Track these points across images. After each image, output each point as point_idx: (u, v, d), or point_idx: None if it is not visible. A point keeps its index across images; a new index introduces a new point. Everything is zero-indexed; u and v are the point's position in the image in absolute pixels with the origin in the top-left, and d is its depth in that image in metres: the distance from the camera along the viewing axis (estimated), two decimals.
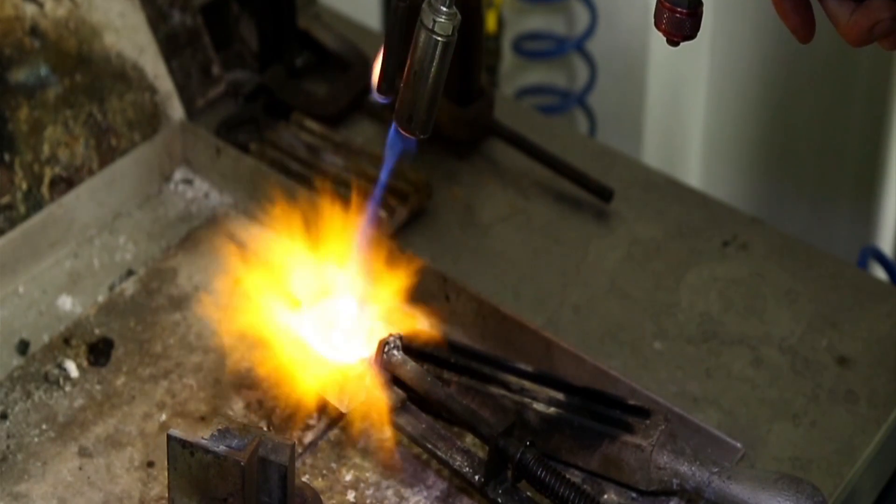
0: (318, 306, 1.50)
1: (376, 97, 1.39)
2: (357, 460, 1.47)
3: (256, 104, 1.83)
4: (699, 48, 2.23)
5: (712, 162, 2.34)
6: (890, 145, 2.16)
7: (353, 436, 1.48)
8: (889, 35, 1.20)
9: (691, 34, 1.23)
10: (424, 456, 1.46)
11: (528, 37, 2.32)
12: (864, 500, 1.56)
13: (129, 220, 1.72)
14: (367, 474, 1.46)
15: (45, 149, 1.66)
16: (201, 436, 1.27)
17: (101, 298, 1.63)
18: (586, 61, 2.28)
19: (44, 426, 1.49)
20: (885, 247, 2.22)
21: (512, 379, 1.47)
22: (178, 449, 1.26)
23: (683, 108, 2.30)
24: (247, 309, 1.54)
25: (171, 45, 1.78)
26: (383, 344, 1.43)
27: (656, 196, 1.76)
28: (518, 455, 1.37)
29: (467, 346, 1.52)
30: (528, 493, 1.39)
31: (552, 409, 1.45)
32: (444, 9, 1.29)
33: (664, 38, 1.24)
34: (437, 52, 1.30)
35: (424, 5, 1.29)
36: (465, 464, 1.40)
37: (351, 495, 1.44)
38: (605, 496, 1.44)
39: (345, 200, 1.67)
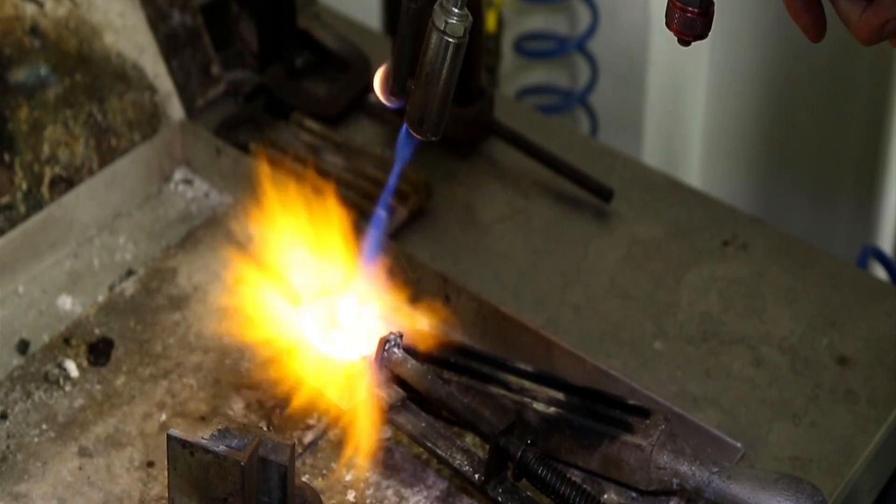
0: (318, 305, 1.50)
1: (385, 101, 1.38)
2: (357, 460, 1.47)
3: (256, 104, 1.83)
4: (699, 48, 2.23)
5: (712, 162, 2.34)
6: (890, 145, 2.16)
7: (354, 435, 1.47)
8: None
9: (702, 34, 1.23)
10: (424, 455, 1.46)
11: (528, 36, 2.32)
12: (864, 499, 1.56)
13: (129, 219, 1.72)
14: (367, 474, 1.46)
15: (45, 149, 1.66)
16: (201, 436, 1.27)
17: (101, 298, 1.63)
18: (587, 61, 2.28)
19: (44, 426, 1.49)
20: (886, 246, 2.21)
21: (512, 379, 1.47)
22: (178, 449, 1.26)
23: (684, 108, 2.30)
24: (247, 309, 1.54)
25: (170, 45, 1.78)
26: (384, 342, 1.43)
27: (656, 196, 1.76)
28: (519, 454, 1.37)
29: (467, 345, 1.52)
30: (529, 493, 1.39)
31: (552, 409, 1.45)
32: (456, 10, 1.28)
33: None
34: (449, 54, 1.30)
35: (436, 7, 1.29)
36: (466, 463, 1.40)
37: (351, 495, 1.44)
38: (605, 496, 1.44)
39: (345, 200, 1.68)
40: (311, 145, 1.76)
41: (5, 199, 1.62)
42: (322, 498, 1.37)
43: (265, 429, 1.44)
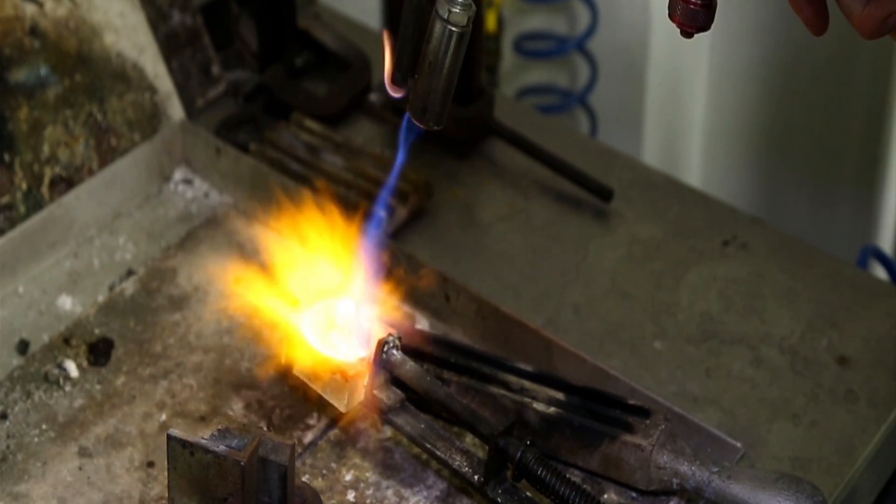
0: (317, 306, 1.50)
1: (388, 90, 1.38)
2: (357, 460, 1.47)
3: (256, 104, 1.83)
4: (699, 48, 2.23)
5: (712, 162, 2.34)
6: (890, 144, 2.16)
7: (353, 436, 1.48)
8: None
9: (705, 25, 1.23)
10: (424, 456, 1.46)
11: (528, 36, 2.32)
12: (864, 499, 1.56)
13: (129, 219, 1.72)
14: (367, 474, 1.46)
15: (45, 149, 1.66)
16: (201, 436, 1.27)
17: (100, 298, 1.63)
18: (587, 61, 2.28)
19: (44, 426, 1.49)
20: (886, 246, 2.21)
21: (512, 378, 1.47)
22: (178, 449, 1.26)
23: (684, 107, 2.30)
24: (246, 309, 1.54)
25: (170, 45, 1.78)
26: (382, 343, 1.43)
27: (656, 196, 1.76)
28: (518, 454, 1.37)
29: (467, 345, 1.52)
30: (528, 493, 1.39)
31: (552, 409, 1.45)
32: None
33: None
34: (452, 43, 1.30)
35: None
36: (465, 463, 1.40)
37: (351, 495, 1.44)
38: (605, 496, 1.44)
39: (346, 200, 1.68)
40: (311, 145, 1.76)
41: (5, 199, 1.62)
42: (322, 498, 1.37)
43: (265, 429, 1.44)
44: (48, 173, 1.66)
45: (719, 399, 1.53)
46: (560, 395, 1.45)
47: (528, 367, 1.48)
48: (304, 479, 1.43)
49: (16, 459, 1.46)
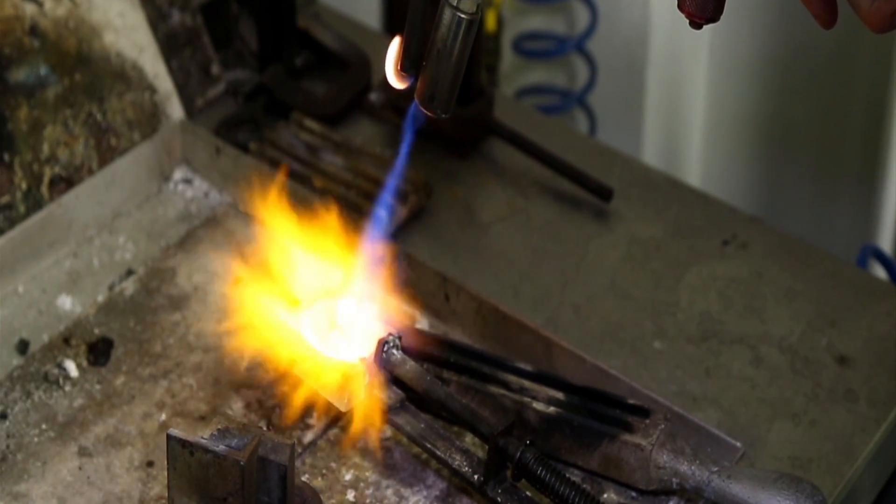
0: (317, 306, 1.50)
1: (395, 79, 1.37)
2: (356, 460, 1.47)
3: (256, 103, 1.83)
4: (699, 47, 2.23)
5: (712, 161, 2.34)
6: (890, 144, 2.16)
7: (353, 435, 1.48)
8: None
9: (714, 16, 1.24)
10: (424, 455, 1.46)
11: (528, 36, 2.32)
12: (864, 499, 1.56)
13: (129, 219, 1.72)
14: (367, 474, 1.46)
15: (45, 148, 1.66)
16: (201, 435, 1.27)
17: (100, 298, 1.63)
18: (586, 61, 2.28)
19: (43, 426, 1.49)
20: (885, 245, 2.21)
21: (512, 378, 1.47)
22: (178, 448, 1.26)
23: (683, 107, 2.30)
24: (246, 308, 1.54)
25: (170, 45, 1.78)
26: (382, 343, 1.43)
27: (656, 195, 1.76)
28: (518, 454, 1.37)
29: (467, 345, 1.52)
30: (528, 493, 1.39)
31: (552, 409, 1.45)
32: None
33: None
34: (461, 30, 1.29)
35: None
36: (465, 463, 1.40)
37: (350, 495, 1.44)
38: (605, 495, 1.44)
39: (345, 200, 1.68)
40: (311, 145, 1.76)
41: (5, 199, 1.62)
42: (322, 497, 1.37)
43: (265, 428, 1.44)
44: (48, 173, 1.66)
45: (719, 399, 1.53)
46: (560, 395, 1.45)
47: (528, 367, 1.48)
48: (303, 478, 1.43)
49: (16, 459, 1.46)
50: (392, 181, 1.60)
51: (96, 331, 1.59)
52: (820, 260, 1.68)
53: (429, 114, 1.33)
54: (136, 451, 1.47)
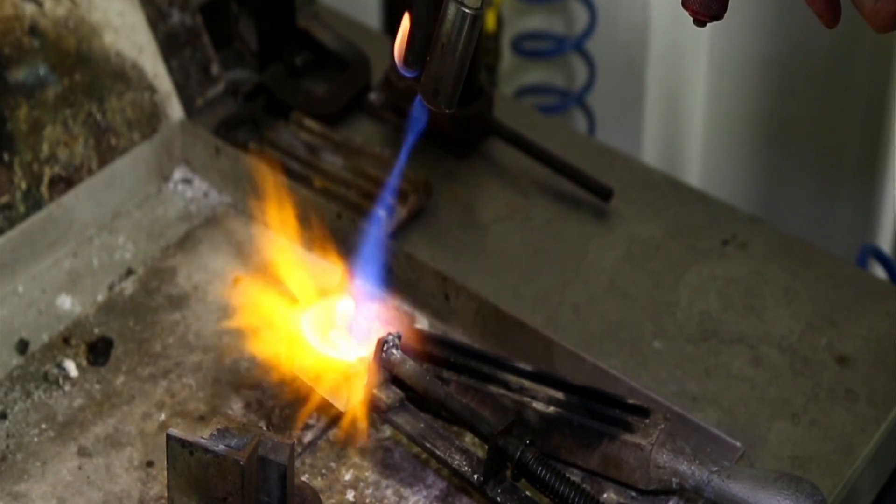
0: (317, 305, 1.50)
1: (400, 71, 1.36)
2: (356, 460, 1.47)
3: (256, 103, 1.82)
4: (698, 47, 2.23)
5: (711, 161, 2.34)
6: (890, 144, 2.16)
7: (353, 435, 1.48)
8: None
9: (719, 14, 1.24)
10: (424, 455, 1.46)
11: (527, 36, 2.32)
12: (864, 498, 1.56)
13: (129, 219, 1.72)
14: (367, 473, 1.46)
15: (45, 148, 1.66)
16: (201, 435, 1.27)
17: (100, 298, 1.63)
18: (585, 61, 2.28)
19: (43, 426, 1.49)
20: (885, 245, 2.21)
21: (511, 378, 1.47)
22: (178, 448, 1.26)
23: (683, 107, 2.30)
24: (246, 308, 1.54)
25: (170, 45, 1.78)
26: (382, 343, 1.43)
27: (656, 195, 1.76)
28: (518, 454, 1.37)
29: (467, 344, 1.52)
30: (528, 493, 1.39)
31: (552, 409, 1.45)
32: None
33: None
34: (466, 25, 1.29)
35: None
36: (464, 463, 1.40)
37: (350, 494, 1.44)
38: (605, 495, 1.44)
39: (345, 200, 1.68)
40: (311, 145, 1.76)
41: (5, 199, 1.62)
42: (321, 497, 1.37)
43: (264, 428, 1.44)
44: (47, 173, 1.66)
45: (719, 398, 1.53)
46: (559, 395, 1.45)
47: (528, 367, 1.48)
48: (303, 478, 1.43)
49: (15, 459, 1.46)
50: (392, 181, 1.60)
51: (96, 331, 1.59)
52: (819, 260, 1.68)
53: (433, 108, 1.33)
54: (136, 451, 1.47)
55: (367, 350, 1.45)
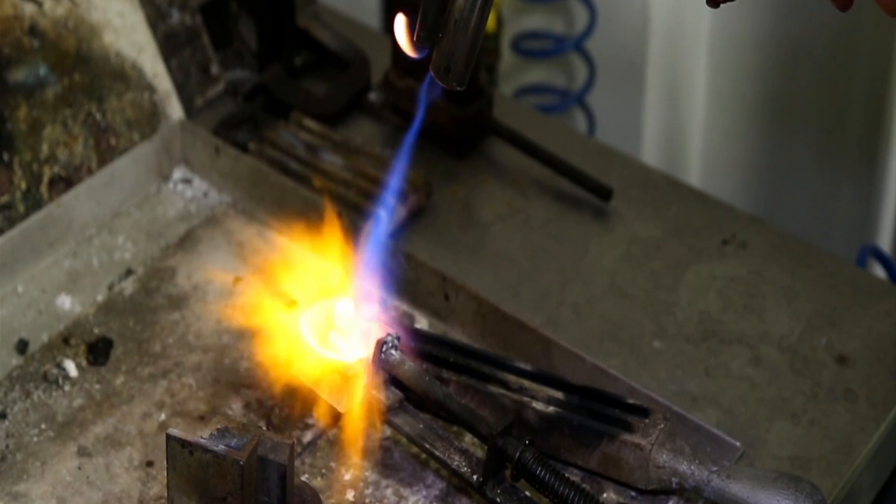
0: (316, 306, 1.50)
1: (410, 50, 1.35)
2: (356, 459, 1.47)
3: (255, 103, 1.83)
4: (698, 47, 2.23)
5: (711, 161, 2.34)
6: (889, 144, 2.16)
7: (352, 436, 1.48)
8: None
9: None
10: (423, 455, 1.46)
11: (527, 36, 2.32)
12: (863, 498, 1.56)
13: (128, 219, 1.72)
14: (366, 473, 1.46)
15: (44, 148, 1.66)
16: (200, 435, 1.27)
17: (100, 298, 1.63)
18: (585, 60, 2.28)
19: (43, 426, 1.49)
20: (885, 245, 2.21)
21: (511, 378, 1.47)
22: (178, 448, 1.26)
23: (682, 107, 2.30)
24: (245, 308, 1.54)
25: (170, 45, 1.78)
26: (381, 343, 1.43)
27: (655, 195, 1.76)
28: (517, 454, 1.37)
29: (466, 344, 1.52)
30: (527, 493, 1.39)
31: (551, 408, 1.45)
32: None
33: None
34: (479, 1, 1.29)
35: None
36: (464, 464, 1.40)
37: (350, 494, 1.44)
38: (605, 495, 1.44)
39: (345, 199, 1.68)
40: (311, 145, 1.76)
41: (4, 199, 1.62)
42: (321, 497, 1.37)
43: (264, 428, 1.44)
44: (47, 173, 1.66)
45: (718, 398, 1.53)
46: (559, 395, 1.45)
47: (528, 367, 1.48)
48: (303, 478, 1.43)
49: (15, 459, 1.46)
50: (392, 180, 1.60)
51: (96, 330, 1.59)
52: (819, 259, 1.68)
53: (444, 86, 1.32)
54: (136, 451, 1.47)
55: (367, 351, 1.45)
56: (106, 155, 1.71)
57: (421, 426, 1.42)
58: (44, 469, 1.46)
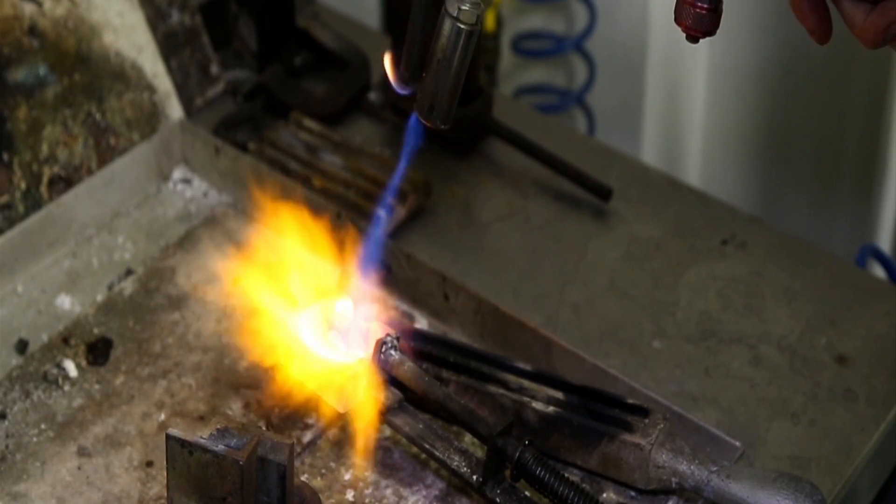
0: (315, 306, 1.50)
1: (395, 87, 1.37)
2: (356, 460, 1.47)
3: (255, 103, 1.83)
4: (698, 47, 2.23)
5: (711, 161, 2.34)
6: (889, 144, 2.16)
7: (352, 435, 1.48)
8: None
9: (711, 30, 1.25)
10: (423, 455, 1.46)
11: (526, 36, 2.32)
12: (863, 498, 1.56)
13: (128, 219, 1.72)
14: (366, 473, 1.46)
15: (44, 148, 1.66)
16: (200, 435, 1.27)
17: (99, 298, 1.63)
18: (585, 60, 2.28)
19: (43, 426, 1.49)
20: (884, 245, 2.21)
21: (511, 378, 1.47)
22: (177, 448, 1.26)
23: (682, 106, 2.30)
24: (245, 309, 1.54)
25: (169, 45, 1.78)
26: (380, 344, 1.43)
27: (655, 195, 1.76)
28: (517, 454, 1.37)
29: (466, 344, 1.52)
30: (527, 493, 1.39)
31: (551, 408, 1.45)
32: None
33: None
34: (461, 42, 1.29)
35: None
36: (463, 464, 1.40)
37: (350, 494, 1.44)
38: (604, 495, 1.44)
39: (344, 199, 1.68)
40: (310, 145, 1.76)
41: (4, 199, 1.62)
42: (321, 497, 1.37)
43: (264, 428, 1.44)
44: (47, 173, 1.66)
45: (718, 398, 1.53)
46: (559, 395, 1.45)
47: (527, 367, 1.48)
48: (303, 478, 1.43)
49: (15, 459, 1.46)
50: (392, 181, 1.60)
51: (95, 330, 1.59)
52: (819, 259, 1.68)
53: (428, 125, 1.34)
54: (136, 451, 1.47)
55: (366, 351, 1.45)
56: (106, 155, 1.71)
57: (420, 426, 1.42)
58: (43, 469, 1.46)
